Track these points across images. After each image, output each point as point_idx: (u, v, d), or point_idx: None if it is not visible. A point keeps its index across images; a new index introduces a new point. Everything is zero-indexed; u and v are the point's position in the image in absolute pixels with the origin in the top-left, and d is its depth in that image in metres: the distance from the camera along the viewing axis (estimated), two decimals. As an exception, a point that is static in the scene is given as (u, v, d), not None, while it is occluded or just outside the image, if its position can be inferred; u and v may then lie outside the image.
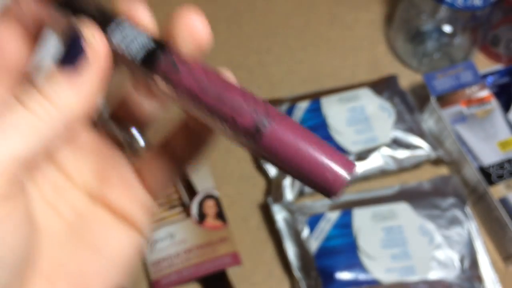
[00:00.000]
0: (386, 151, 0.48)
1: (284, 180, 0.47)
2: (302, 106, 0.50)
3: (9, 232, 0.17)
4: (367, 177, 0.48)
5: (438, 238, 0.43)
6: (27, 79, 0.20)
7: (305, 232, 0.44)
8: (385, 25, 0.60)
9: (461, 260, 0.43)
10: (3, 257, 0.17)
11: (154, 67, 0.19)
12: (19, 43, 0.20)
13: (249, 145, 0.19)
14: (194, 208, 0.46)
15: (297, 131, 0.18)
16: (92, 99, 0.19)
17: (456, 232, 0.44)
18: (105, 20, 0.20)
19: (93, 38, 0.19)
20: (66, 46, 0.19)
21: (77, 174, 0.22)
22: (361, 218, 0.44)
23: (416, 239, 0.43)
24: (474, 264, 0.43)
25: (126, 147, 0.23)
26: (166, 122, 0.23)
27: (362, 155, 0.48)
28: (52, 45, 0.21)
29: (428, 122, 0.51)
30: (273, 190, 0.47)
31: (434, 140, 0.50)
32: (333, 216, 0.44)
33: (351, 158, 0.48)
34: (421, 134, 0.49)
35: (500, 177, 0.46)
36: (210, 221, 0.46)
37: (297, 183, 0.47)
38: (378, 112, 0.49)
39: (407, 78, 0.55)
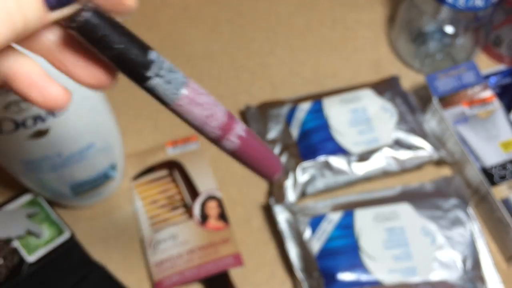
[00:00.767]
0: (388, 152, 0.48)
1: (286, 181, 0.47)
2: (304, 107, 0.50)
3: None
4: (369, 178, 0.48)
5: (440, 239, 0.43)
6: None
7: (307, 233, 0.44)
8: (387, 26, 0.60)
9: (464, 261, 0.43)
10: None
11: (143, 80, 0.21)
12: None
13: (226, 152, 0.24)
14: (196, 209, 0.46)
15: (257, 145, 0.24)
16: None
17: (459, 233, 0.44)
18: None
19: None
20: None
21: None
22: (363, 219, 0.44)
23: (418, 240, 0.43)
24: (476, 264, 0.43)
25: None
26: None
27: (364, 156, 0.48)
28: None
29: (430, 122, 0.51)
30: (275, 191, 0.47)
31: (436, 141, 0.50)
32: (335, 217, 0.44)
33: (353, 159, 0.48)
34: (423, 135, 0.49)
35: (503, 178, 0.46)
36: (213, 222, 0.46)
37: (299, 185, 0.47)
38: (380, 113, 0.49)
39: (409, 79, 0.55)
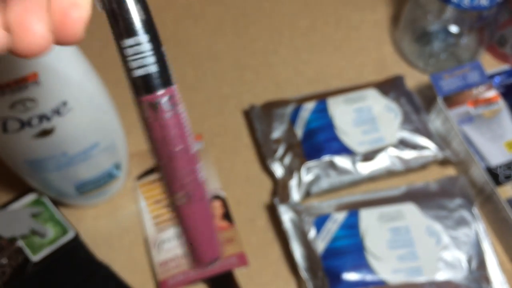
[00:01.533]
0: (392, 151, 0.48)
1: (290, 180, 0.47)
2: (309, 107, 0.50)
3: None
4: (373, 178, 0.48)
5: (446, 238, 0.43)
6: None
7: (312, 233, 0.44)
8: (391, 25, 0.60)
9: (469, 261, 0.43)
10: None
11: (148, 92, 0.20)
12: None
13: (170, 207, 0.23)
14: (200, 209, 0.46)
15: (206, 215, 0.23)
16: None
17: (464, 233, 0.44)
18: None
19: None
20: None
21: None
22: (368, 218, 0.44)
23: (423, 240, 0.43)
24: (481, 265, 0.43)
25: None
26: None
27: (369, 156, 0.48)
28: None
29: (435, 122, 0.51)
30: (280, 191, 0.47)
31: (441, 141, 0.50)
32: (340, 216, 0.44)
33: (358, 158, 0.48)
34: (428, 134, 0.49)
35: (508, 178, 0.46)
36: (217, 222, 0.46)
37: (304, 184, 0.47)
38: (385, 112, 0.49)
39: (414, 79, 0.55)
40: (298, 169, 0.47)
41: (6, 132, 0.36)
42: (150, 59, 0.20)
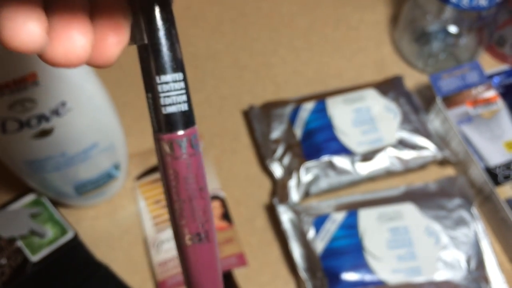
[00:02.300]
0: (392, 151, 0.48)
1: (289, 181, 0.47)
2: (308, 107, 0.50)
3: None
4: (373, 178, 0.48)
5: (445, 238, 0.43)
6: None
7: (311, 233, 0.44)
8: (391, 26, 0.60)
9: (468, 261, 0.43)
10: None
11: (178, 130, 0.20)
12: None
13: (177, 246, 0.22)
14: (200, 209, 0.46)
15: (214, 257, 0.23)
16: None
17: (463, 233, 0.44)
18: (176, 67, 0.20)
19: None
20: None
21: None
22: (367, 218, 0.44)
23: (422, 240, 0.43)
24: (480, 265, 0.43)
25: None
26: None
27: (368, 156, 0.48)
28: None
29: (434, 122, 0.51)
30: (279, 191, 0.47)
31: (440, 141, 0.50)
32: (339, 217, 0.44)
33: (357, 158, 0.48)
34: (427, 134, 0.49)
35: (507, 178, 0.46)
36: (216, 222, 0.46)
37: (303, 184, 0.47)
38: (384, 112, 0.49)
39: (413, 79, 0.55)
40: (297, 169, 0.48)
41: (5, 132, 0.36)
42: (183, 97, 0.20)
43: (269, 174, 0.50)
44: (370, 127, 0.49)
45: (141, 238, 0.47)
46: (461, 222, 0.44)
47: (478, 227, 0.44)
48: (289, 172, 0.48)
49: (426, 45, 0.55)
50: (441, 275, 0.42)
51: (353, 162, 0.48)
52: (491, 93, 0.50)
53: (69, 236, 0.44)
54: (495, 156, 0.47)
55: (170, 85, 0.19)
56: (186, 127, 0.20)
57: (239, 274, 0.45)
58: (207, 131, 0.52)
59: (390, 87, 0.52)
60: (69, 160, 0.40)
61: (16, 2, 0.16)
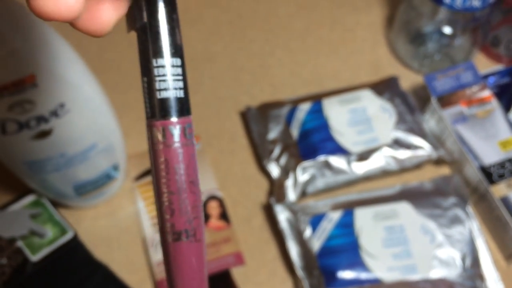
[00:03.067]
0: (387, 151, 0.48)
1: (286, 181, 0.48)
2: (304, 108, 0.51)
3: None
4: (368, 177, 0.49)
5: (440, 237, 0.44)
6: None
7: (308, 232, 0.44)
8: (386, 27, 0.61)
9: (463, 259, 0.43)
10: None
11: (164, 118, 0.19)
12: None
13: (161, 242, 0.21)
14: (198, 209, 0.47)
15: (201, 258, 0.21)
16: None
17: (458, 231, 0.44)
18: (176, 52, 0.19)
19: None
20: None
21: None
22: (363, 217, 0.44)
23: (418, 238, 0.43)
24: (475, 262, 0.43)
25: None
26: None
27: (364, 156, 0.48)
28: None
29: (429, 122, 0.51)
30: (276, 190, 0.48)
31: (435, 140, 0.50)
32: (335, 215, 0.45)
33: (353, 158, 0.48)
34: (422, 134, 0.50)
35: (501, 176, 0.46)
36: (214, 221, 0.47)
37: (299, 184, 0.48)
38: (379, 113, 0.50)
39: (408, 79, 0.56)
40: (294, 169, 0.48)
41: (4, 133, 0.36)
42: (180, 83, 0.19)
43: (266, 174, 0.50)
44: (365, 127, 0.49)
45: (140, 238, 0.47)
46: (456, 221, 0.45)
47: (473, 225, 0.45)
48: (286, 172, 0.48)
49: (421, 46, 0.56)
50: (436, 273, 0.42)
51: (349, 162, 0.48)
52: (485, 93, 0.50)
53: (68, 236, 0.45)
54: (490, 155, 0.47)
55: (167, 69, 0.19)
56: (180, 115, 0.19)
57: (236, 273, 0.45)
58: (205, 132, 0.53)
59: (385, 87, 0.52)
60: (68, 161, 0.41)
61: None
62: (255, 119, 0.52)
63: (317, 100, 0.51)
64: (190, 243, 0.20)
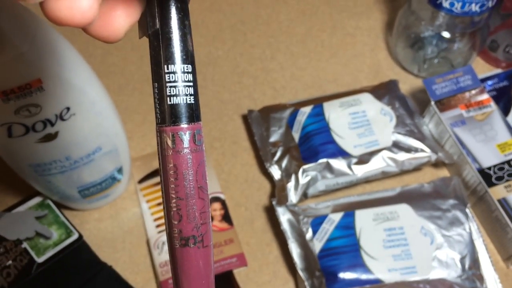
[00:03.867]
0: (387, 154, 0.49)
1: (288, 183, 0.48)
2: (305, 111, 0.51)
3: None
4: (369, 180, 0.49)
5: (439, 238, 0.44)
6: None
7: (309, 234, 0.45)
8: (386, 32, 0.61)
9: (462, 260, 0.43)
10: None
11: (173, 124, 0.19)
12: None
13: (168, 247, 0.21)
14: (200, 211, 0.47)
15: (208, 264, 0.21)
16: None
17: (457, 233, 0.45)
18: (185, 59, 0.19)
19: None
20: None
21: None
22: (364, 219, 0.45)
23: (418, 240, 0.44)
24: (475, 263, 0.44)
25: None
26: None
27: (364, 158, 0.49)
28: None
29: (428, 125, 0.52)
30: (278, 193, 0.48)
31: (435, 143, 0.51)
32: (336, 217, 0.45)
33: (353, 161, 0.49)
34: (421, 137, 0.50)
35: (500, 179, 0.47)
36: (217, 223, 0.47)
37: (301, 186, 0.48)
38: (379, 116, 0.50)
39: (408, 83, 0.57)
40: (296, 172, 0.49)
41: (10, 136, 0.37)
42: (191, 90, 0.19)
43: (268, 176, 0.51)
44: (366, 130, 0.50)
45: (144, 239, 0.48)
46: (455, 222, 0.45)
47: (472, 227, 0.45)
48: (287, 174, 0.49)
49: (421, 50, 0.56)
50: (436, 274, 0.43)
51: (349, 165, 0.49)
52: (484, 97, 0.51)
53: (73, 237, 0.46)
54: (489, 158, 0.48)
55: (178, 75, 0.19)
56: (190, 121, 0.19)
57: (239, 274, 0.46)
58: (208, 135, 0.53)
59: (385, 91, 0.53)
60: (73, 163, 0.41)
61: None
62: (257, 122, 0.53)
63: (318, 103, 0.52)
64: (197, 249, 0.20)
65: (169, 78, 0.19)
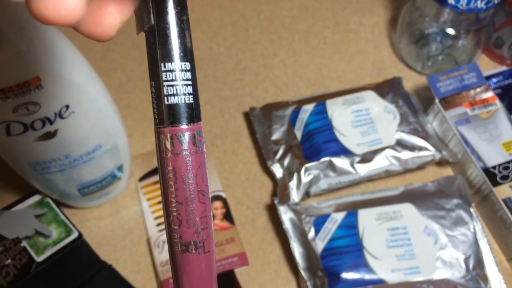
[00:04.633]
0: (390, 152, 0.48)
1: (290, 181, 0.48)
2: (308, 109, 0.51)
3: None
4: (372, 179, 0.49)
5: (443, 238, 0.44)
6: None
7: (311, 233, 0.45)
8: (389, 28, 0.61)
9: (466, 260, 0.43)
10: None
11: (172, 125, 0.18)
12: None
13: (169, 252, 0.20)
14: (201, 210, 0.47)
15: (210, 270, 0.20)
16: None
17: (461, 233, 0.44)
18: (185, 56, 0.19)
19: None
20: None
21: None
22: (367, 218, 0.44)
23: (421, 240, 0.43)
24: (479, 264, 0.43)
25: None
26: None
27: (367, 157, 0.48)
28: None
29: (432, 123, 0.52)
30: (280, 191, 0.48)
31: (439, 142, 0.50)
32: (339, 216, 0.45)
33: (357, 159, 0.48)
34: (425, 135, 0.50)
35: (505, 178, 0.46)
36: (218, 222, 0.47)
37: (303, 185, 0.48)
38: (383, 114, 0.50)
39: (412, 81, 0.56)
40: (298, 170, 0.48)
41: (9, 135, 0.37)
42: (189, 88, 0.18)
43: (270, 174, 0.51)
44: (369, 128, 0.49)
45: (144, 238, 0.47)
46: (459, 222, 0.45)
47: (476, 227, 0.45)
48: (289, 172, 0.48)
49: (425, 47, 0.56)
50: (440, 274, 0.42)
51: (352, 163, 0.48)
52: (489, 94, 0.50)
53: (73, 236, 0.45)
54: (493, 157, 0.47)
55: (176, 74, 0.18)
56: (189, 122, 0.18)
57: (241, 274, 0.45)
58: (209, 133, 0.53)
59: (389, 88, 0.52)
60: (72, 161, 0.41)
61: None
62: (258, 120, 0.52)
63: (320, 101, 0.51)
64: (198, 255, 0.20)
65: (166, 77, 0.18)
